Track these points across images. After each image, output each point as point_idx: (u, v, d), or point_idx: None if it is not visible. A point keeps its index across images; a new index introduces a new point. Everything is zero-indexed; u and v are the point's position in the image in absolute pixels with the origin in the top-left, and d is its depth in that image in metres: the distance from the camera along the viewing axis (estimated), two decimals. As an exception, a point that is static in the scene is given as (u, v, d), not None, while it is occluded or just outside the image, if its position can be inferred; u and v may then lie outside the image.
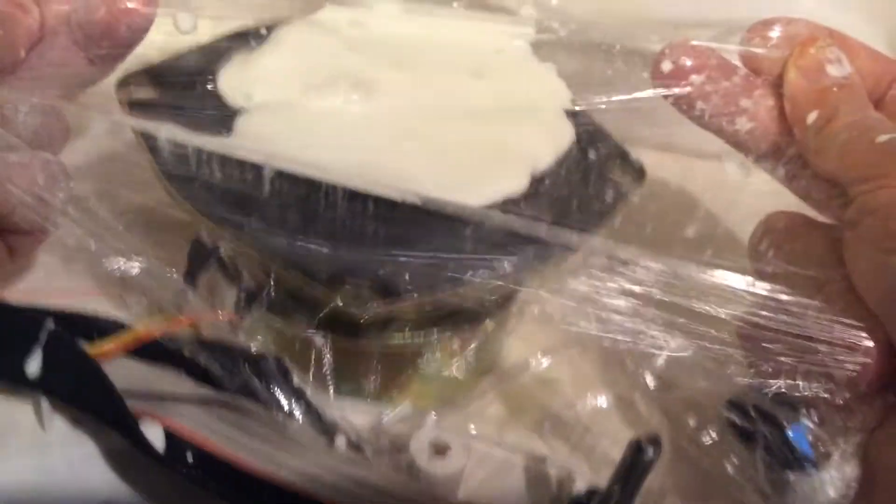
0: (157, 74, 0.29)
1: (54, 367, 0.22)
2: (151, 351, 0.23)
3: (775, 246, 0.28)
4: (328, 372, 0.28)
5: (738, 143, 0.29)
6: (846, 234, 0.25)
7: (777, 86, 0.29)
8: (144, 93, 0.28)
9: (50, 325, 0.22)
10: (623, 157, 0.31)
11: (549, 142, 0.30)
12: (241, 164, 0.27)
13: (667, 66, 0.29)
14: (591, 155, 0.31)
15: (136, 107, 0.27)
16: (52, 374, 0.22)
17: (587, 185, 0.29)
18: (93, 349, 0.23)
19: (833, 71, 0.28)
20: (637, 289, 0.27)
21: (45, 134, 0.28)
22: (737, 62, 0.30)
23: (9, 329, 0.22)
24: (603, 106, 0.32)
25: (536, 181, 0.29)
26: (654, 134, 0.33)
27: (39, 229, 0.28)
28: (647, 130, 0.33)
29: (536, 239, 0.27)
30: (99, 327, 0.24)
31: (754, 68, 0.29)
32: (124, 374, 0.23)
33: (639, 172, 0.30)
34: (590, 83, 0.33)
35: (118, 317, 0.26)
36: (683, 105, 0.29)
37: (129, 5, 0.28)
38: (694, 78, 0.29)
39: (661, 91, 0.29)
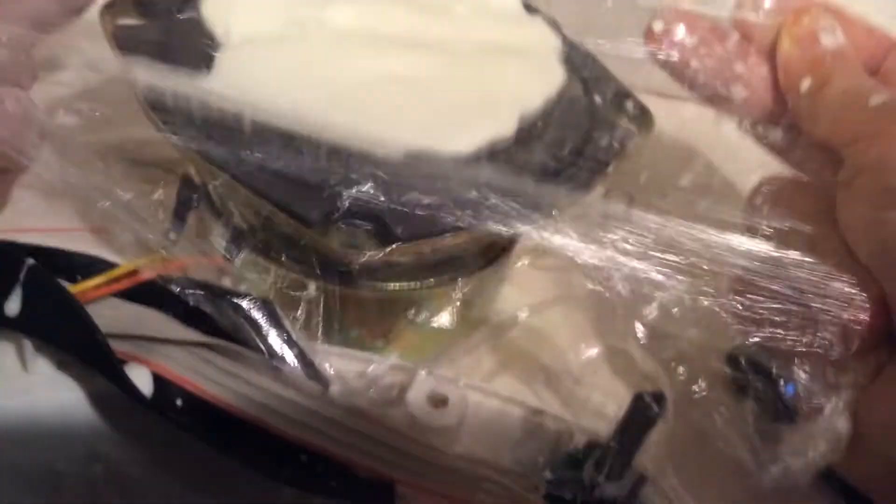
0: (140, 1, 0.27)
1: (35, 306, 0.21)
2: (138, 292, 0.23)
3: (771, 203, 0.28)
4: (317, 318, 0.28)
5: (731, 111, 0.29)
6: (839, 194, 0.26)
7: (770, 54, 0.29)
8: (129, 18, 0.27)
9: (30, 262, 0.21)
10: (630, 102, 0.31)
11: (538, 84, 0.29)
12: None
13: (658, 26, 0.29)
14: (597, 98, 0.30)
15: (120, 33, 0.26)
16: (32, 314, 0.21)
17: (590, 130, 0.29)
18: (76, 288, 0.22)
19: (826, 39, 0.28)
20: (630, 241, 0.27)
21: (13, 71, 0.26)
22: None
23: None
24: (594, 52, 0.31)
25: (528, 125, 0.28)
26: (651, 80, 0.33)
27: (14, 166, 0.26)
28: (644, 77, 0.32)
29: (534, 186, 0.26)
30: (82, 266, 0.23)
31: (746, 35, 0.29)
32: (110, 314, 0.22)
33: (646, 118, 0.30)
34: (587, 31, 0.33)
35: (102, 256, 0.26)
36: (677, 68, 0.29)
37: None
38: (686, 39, 0.29)
39: (653, 51, 0.29)
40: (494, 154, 0.28)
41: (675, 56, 0.29)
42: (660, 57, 0.29)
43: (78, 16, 0.28)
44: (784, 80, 0.28)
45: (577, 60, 0.31)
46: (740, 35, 0.29)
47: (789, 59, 0.28)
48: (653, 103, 0.31)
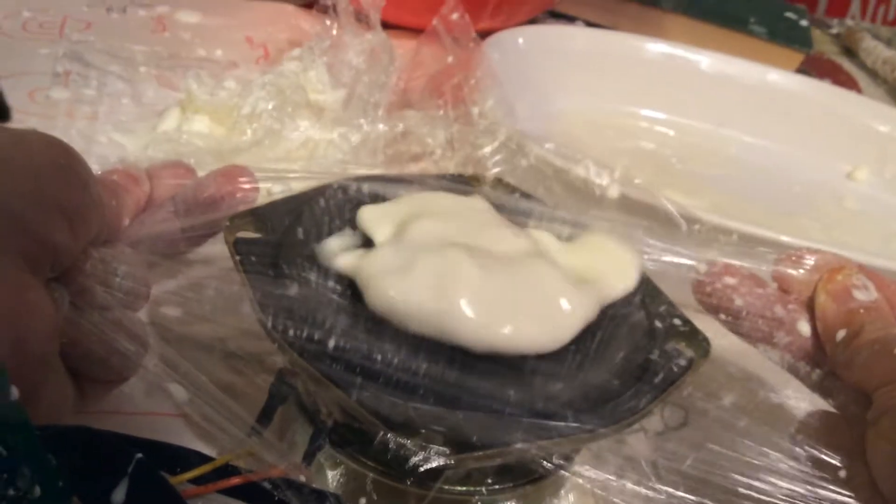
0: (259, 215, 0.31)
1: (139, 497, 0.22)
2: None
3: (811, 437, 0.30)
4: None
5: (775, 350, 0.32)
6: (868, 432, 0.28)
7: (808, 306, 0.32)
8: (248, 230, 0.30)
9: (138, 456, 0.23)
10: (688, 328, 0.32)
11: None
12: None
13: (703, 268, 0.33)
14: (658, 324, 0.32)
15: (239, 244, 0.29)
16: None
17: (650, 354, 0.30)
18: (175, 480, 0.24)
19: (860, 295, 0.31)
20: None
21: (134, 295, 0.30)
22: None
23: (99, 458, 0.22)
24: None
25: (595, 345, 0.30)
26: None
27: (120, 379, 0.29)
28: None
29: (602, 407, 0.27)
30: (180, 458, 0.25)
31: (784, 288, 0.33)
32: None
33: (704, 345, 0.31)
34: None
35: (191, 441, 0.27)
36: (722, 305, 0.32)
37: (235, 191, 0.31)
38: (729, 280, 0.32)
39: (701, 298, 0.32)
40: (559, 363, 0.29)
41: (719, 290, 0.32)
42: (707, 291, 0.32)
43: (200, 245, 0.32)
44: (822, 331, 0.31)
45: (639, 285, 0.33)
46: (779, 287, 0.32)
47: (825, 312, 0.31)
48: (701, 322, 0.33)
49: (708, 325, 0.32)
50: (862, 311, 0.30)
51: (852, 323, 0.30)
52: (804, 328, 0.31)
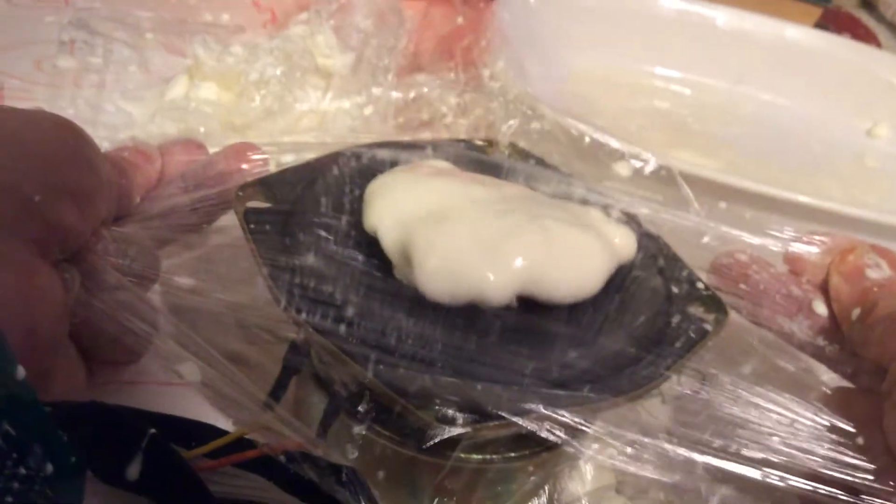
0: (269, 184, 0.30)
1: (153, 472, 0.22)
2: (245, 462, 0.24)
3: (836, 410, 0.30)
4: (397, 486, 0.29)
5: (791, 337, 0.32)
6: (884, 403, 0.28)
7: (822, 289, 0.33)
8: (257, 200, 0.30)
9: (151, 431, 0.23)
10: (706, 293, 0.32)
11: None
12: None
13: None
14: (675, 289, 0.31)
15: (249, 213, 0.29)
16: (150, 479, 0.22)
17: (669, 320, 0.30)
18: (189, 454, 0.24)
19: (872, 274, 0.31)
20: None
21: (144, 274, 0.30)
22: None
23: (112, 434, 0.22)
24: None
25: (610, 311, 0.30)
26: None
27: (127, 360, 0.29)
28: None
29: (619, 374, 0.27)
30: (195, 431, 0.24)
31: (797, 270, 0.33)
32: (219, 479, 0.24)
33: (721, 309, 0.31)
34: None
35: (206, 413, 0.27)
36: (740, 285, 0.32)
37: (244, 166, 0.30)
38: (741, 257, 0.33)
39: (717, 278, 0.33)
40: (575, 330, 0.29)
41: (734, 267, 0.32)
42: (723, 266, 0.32)
43: (212, 221, 0.32)
44: (838, 312, 0.31)
45: (654, 250, 0.33)
46: (791, 269, 0.33)
47: (839, 293, 0.31)
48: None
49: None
50: (875, 288, 0.30)
51: (866, 301, 0.30)
52: (821, 308, 0.32)
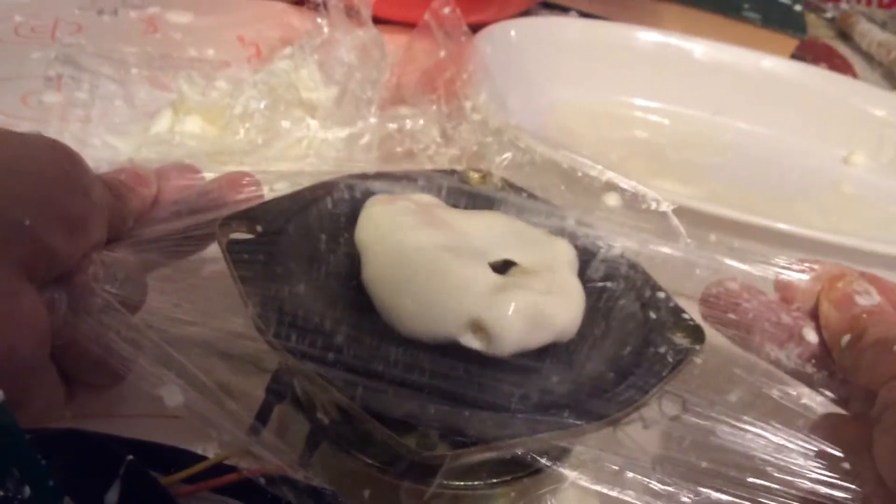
0: (253, 216, 0.31)
1: (131, 499, 0.22)
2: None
3: (819, 435, 0.30)
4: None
5: (782, 364, 0.32)
6: (874, 428, 0.28)
7: (813, 315, 0.33)
8: (241, 233, 0.30)
9: (129, 458, 0.23)
10: (683, 316, 0.32)
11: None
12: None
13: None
14: (652, 314, 0.31)
15: (232, 245, 0.29)
16: (128, 505, 0.22)
17: (646, 343, 0.30)
18: (167, 480, 0.24)
19: (862, 301, 0.31)
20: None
21: (131, 298, 0.30)
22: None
23: (92, 460, 0.22)
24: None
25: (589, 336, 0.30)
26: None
27: (109, 383, 0.29)
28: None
29: (598, 398, 0.27)
30: (173, 458, 0.25)
31: (787, 297, 0.33)
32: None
33: (698, 333, 0.31)
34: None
35: (187, 443, 0.27)
36: (729, 314, 0.32)
37: (238, 195, 0.31)
38: (731, 285, 0.33)
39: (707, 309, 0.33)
40: (555, 357, 0.29)
41: (724, 295, 0.32)
42: (713, 296, 0.33)
43: (201, 250, 0.32)
44: (828, 338, 0.31)
45: (640, 281, 0.33)
46: (781, 296, 0.33)
47: (829, 320, 0.31)
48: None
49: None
50: (864, 315, 0.31)
51: (856, 327, 0.30)
52: (811, 336, 0.32)
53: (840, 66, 0.86)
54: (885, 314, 0.31)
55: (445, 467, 0.27)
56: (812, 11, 1.05)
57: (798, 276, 0.33)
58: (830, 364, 0.31)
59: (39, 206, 0.26)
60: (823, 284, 0.32)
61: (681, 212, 0.41)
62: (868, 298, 0.31)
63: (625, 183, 0.42)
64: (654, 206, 0.42)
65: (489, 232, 0.32)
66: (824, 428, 0.30)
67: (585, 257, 0.34)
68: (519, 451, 0.27)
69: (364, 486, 0.29)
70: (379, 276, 0.29)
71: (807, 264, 0.33)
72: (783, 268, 0.33)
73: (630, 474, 0.29)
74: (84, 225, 0.27)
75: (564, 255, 0.32)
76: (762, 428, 0.29)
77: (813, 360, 0.32)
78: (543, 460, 0.28)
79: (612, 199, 0.43)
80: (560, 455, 0.30)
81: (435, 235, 0.30)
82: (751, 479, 0.28)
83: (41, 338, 0.25)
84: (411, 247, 0.29)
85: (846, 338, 0.30)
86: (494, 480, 0.29)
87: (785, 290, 0.33)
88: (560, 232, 0.35)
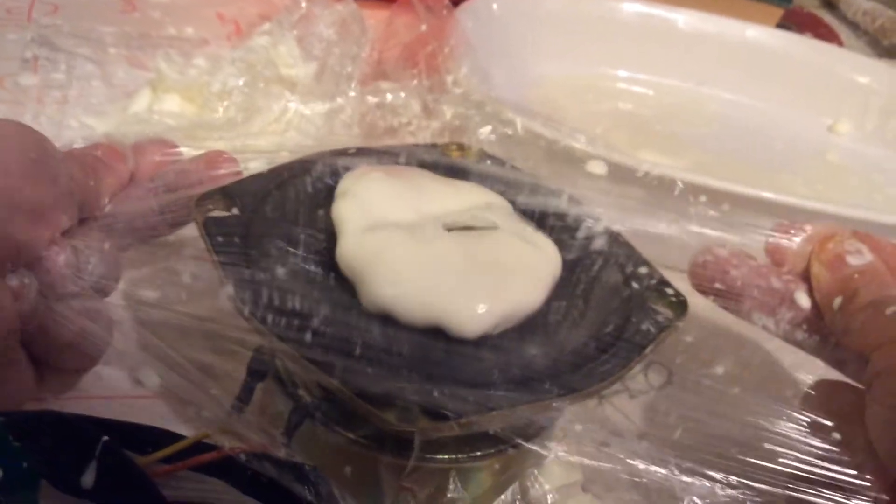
0: (230, 193, 0.30)
1: (108, 480, 0.22)
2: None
3: (809, 405, 0.30)
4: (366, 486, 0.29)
5: (774, 330, 0.32)
6: (866, 396, 0.28)
7: (805, 278, 0.32)
8: (218, 210, 0.30)
9: (104, 439, 0.23)
10: (667, 288, 0.32)
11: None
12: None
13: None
14: (635, 285, 0.31)
15: (209, 223, 0.29)
16: (105, 487, 0.22)
17: (629, 315, 0.30)
18: (144, 460, 0.24)
19: (853, 260, 0.30)
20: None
21: (104, 282, 0.29)
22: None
23: (67, 442, 0.22)
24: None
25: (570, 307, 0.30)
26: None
27: (81, 367, 0.29)
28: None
29: (579, 370, 0.27)
30: (150, 438, 0.24)
31: (778, 261, 0.32)
32: (176, 485, 0.24)
33: (681, 304, 0.31)
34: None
35: (168, 422, 0.27)
36: (718, 281, 0.32)
37: (217, 172, 0.30)
38: (719, 252, 0.32)
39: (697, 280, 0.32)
40: (536, 331, 0.29)
41: (713, 263, 0.32)
42: (702, 264, 0.32)
43: (176, 230, 0.31)
44: (819, 301, 0.31)
45: (616, 248, 0.33)
46: (772, 260, 0.32)
47: (820, 281, 0.31)
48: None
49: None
50: (856, 275, 0.30)
51: (847, 289, 0.30)
52: (803, 300, 0.31)
53: (825, 34, 0.85)
54: (877, 274, 0.30)
55: (422, 440, 0.27)
56: (798, -20, 1.04)
57: (788, 238, 0.32)
58: (823, 328, 0.31)
59: (3, 198, 0.25)
60: (814, 245, 0.32)
61: (666, 182, 0.41)
62: (859, 258, 0.30)
63: (606, 153, 0.42)
64: (640, 174, 0.41)
65: (457, 200, 0.32)
66: (817, 395, 0.30)
67: (569, 231, 0.34)
68: (499, 426, 0.27)
69: (345, 463, 0.29)
70: (351, 254, 0.29)
71: (797, 225, 0.32)
72: (773, 230, 0.32)
73: (614, 447, 0.29)
74: (50, 213, 0.27)
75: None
76: (749, 401, 0.29)
77: (805, 325, 0.31)
78: (526, 432, 0.28)
79: (597, 168, 0.43)
80: (543, 428, 0.30)
81: (403, 210, 0.30)
82: (738, 455, 0.28)
83: (8, 325, 0.24)
84: (379, 226, 0.29)
85: (838, 300, 0.30)
86: (478, 453, 0.29)
87: (775, 254, 0.32)
88: (546, 206, 0.34)
